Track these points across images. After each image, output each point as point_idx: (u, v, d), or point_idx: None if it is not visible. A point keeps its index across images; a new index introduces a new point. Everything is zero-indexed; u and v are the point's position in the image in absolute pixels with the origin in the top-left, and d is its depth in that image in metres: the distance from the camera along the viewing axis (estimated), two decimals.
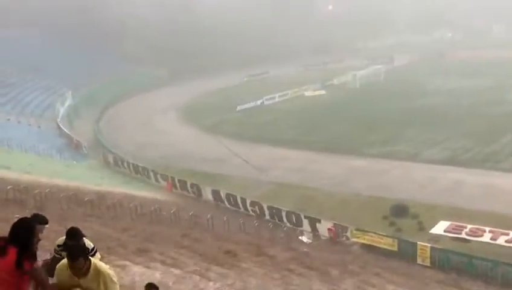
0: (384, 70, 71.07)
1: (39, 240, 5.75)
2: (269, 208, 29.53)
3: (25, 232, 5.38)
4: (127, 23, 78.90)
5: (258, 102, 58.66)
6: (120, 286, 5.66)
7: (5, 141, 39.57)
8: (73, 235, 6.77)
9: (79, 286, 5.16)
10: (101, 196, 28.05)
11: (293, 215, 28.28)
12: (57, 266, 5.30)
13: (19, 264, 5.19)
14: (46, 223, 6.47)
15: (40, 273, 5.45)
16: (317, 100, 59.98)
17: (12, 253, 5.23)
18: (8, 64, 58.19)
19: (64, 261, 5.24)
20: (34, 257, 5.39)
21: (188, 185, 34.31)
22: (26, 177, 29.15)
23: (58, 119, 52.21)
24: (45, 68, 60.85)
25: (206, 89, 65.64)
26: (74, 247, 5.20)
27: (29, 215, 6.03)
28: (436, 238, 24.95)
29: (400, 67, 75.92)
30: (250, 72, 74.72)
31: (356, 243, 25.67)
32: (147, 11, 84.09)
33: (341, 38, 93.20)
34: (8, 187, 24.21)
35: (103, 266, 5.30)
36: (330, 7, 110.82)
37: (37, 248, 5.69)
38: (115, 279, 5.33)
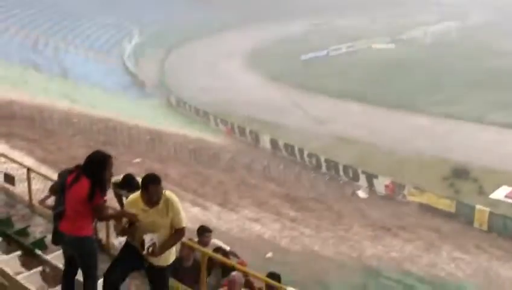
0: (457, 27, 68.19)
1: (111, 175, 5.87)
2: (326, 160, 29.32)
3: (99, 165, 5.49)
4: None
5: (324, 52, 57.62)
6: None
7: (73, 75, 40.64)
8: (129, 181, 6.97)
9: (150, 215, 5.26)
10: (161, 136, 28.53)
11: (350, 170, 28.00)
12: (128, 199, 5.39)
13: (90, 196, 5.32)
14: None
15: (107, 209, 5.59)
16: (385, 54, 58.35)
17: (84, 183, 5.35)
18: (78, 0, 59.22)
19: (136, 194, 5.30)
20: (104, 191, 5.53)
21: (247, 132, 34.42)
22: (91, 112, 29.89)
23: (125, 57, 53.03)
24: (114, 5, 61.48)
25: (272, 36, 64.91)
26: (150, 175, 5.27)
27: (92, 148, 6.11)
28: (496, 203, 24.22)
29: (474, 25, 72.64)
30: (315, 20, 73.19)
31: (413, 202, 25.29)
32: None
33: None
34: (74, 120, 24.92)
35: (173, 196, 5.37)
36: None
37: (108, 182, 5.81)
38: (182, 210, 5.40)
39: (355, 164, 28.52)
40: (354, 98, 41.07)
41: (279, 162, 29.29)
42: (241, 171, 25.66)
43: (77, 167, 5.58)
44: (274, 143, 32.49)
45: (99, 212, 5.50)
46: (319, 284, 12.94)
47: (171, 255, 5.56)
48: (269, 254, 13.52)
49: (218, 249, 7.53)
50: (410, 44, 62.73)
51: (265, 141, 33.10)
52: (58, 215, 5.52)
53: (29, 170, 10.08)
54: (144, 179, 5.29)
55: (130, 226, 5.36)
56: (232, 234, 15.51)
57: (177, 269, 7.74)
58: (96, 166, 5.47)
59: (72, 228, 5.38)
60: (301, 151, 30.74)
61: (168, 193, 5.38)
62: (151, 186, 5.19)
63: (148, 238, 5.23)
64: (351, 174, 27.90)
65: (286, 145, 31.69)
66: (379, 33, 65.07)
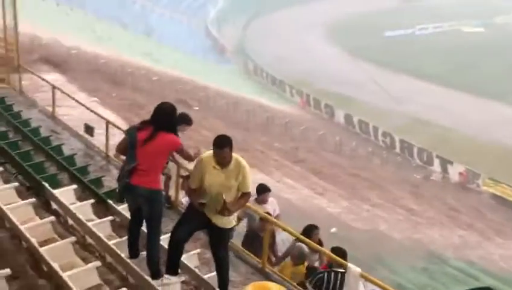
0: None
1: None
2: (401, 141, 28.73)
3: (172, 115, 5.64)
4: None
5: (409, 31, 55.89)
6: None
7: (157, 35, 41.44)
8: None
9: (220, 175, 5.38)
10: (237, 102, 28.75)
11: (425, 153, 27.33)
12: (202, 157, 5.50)
13: (176, 144, 5.56)
14: (190, 124, 6.67)
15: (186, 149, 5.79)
16: (474, 38, 55.88)
17: (166, 135, 5.52)
18: None
19: (209, 152, 5.42)
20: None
21: (322, 105, 34.15)
22: (170, 72, 30.45)
23: (208, 21, 53.45)
24: None
25: (359, 9, 63.36)
26: (222, 136, 5.36)
27: None
28: None
29: None
30: None
31: (486, 191, 24.52)
32: None
33: None
34: (154, 78, 25.44)
35: (243, 160, 5.45)
36: None
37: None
38: (250, 175, 5.48)
39: (430, 147, 27.81)
40: (435, 80, 39.80)
41: (352, 138, 28.96)
42: (312, 144, 25.55)
43: (144, 122, 5.69)
44: (348, 119, 32.10)
45: (186, 154, 5.76)
46: (382, 265, 12.80)
47: (233, 218, 5.66)
48: (333, 229, 13.47)
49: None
50: (502, 29, 59.75)
51: (340, 115, 32.75)
52: (128, 171, 5.68)
53: (108, 122, 10.43)
54: (215, 140, 5.36)
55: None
56: (295, 204, 15.53)
57: (253, 238, 7.84)
58: (171, 116, 5.63)
59: (146, 181, 5.54)
60: (375, 129, 30.23)
61: (238, 156, 5.44)
62: (221, 149, 5.26)
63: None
64: (425, 158, 27.25)
65: (360, 122, 31.24)
66: (470, 15, 62.27)
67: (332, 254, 6.37)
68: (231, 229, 5.82)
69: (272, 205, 8.21)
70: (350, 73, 41.39)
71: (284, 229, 7.10)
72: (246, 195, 5.53)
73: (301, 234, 7.25)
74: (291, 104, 35.41)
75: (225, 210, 5.34)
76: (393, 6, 66.65)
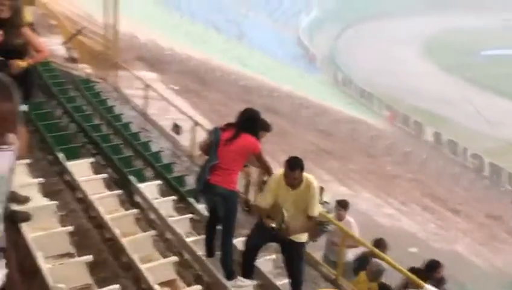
0: None
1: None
2: (491, 164, 27.54)
3: (255, 122, 5.72)
4: None
5: (508, 51, 53.55)
6: None
7: (248, 40, 42.02)
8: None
9: (291, 195, 5.38)
10: (323, 110, 28.61)
11: None
12: (272, 176, 5.54)
13: (256, 147, 5.62)
14: (269, 130, 6.75)
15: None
16: None
17: (248, 137, 5.61)
18: None
19: (280, 171, 5.43)
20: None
21: (410, 121, 33.34)
22: (259, 78, 30.75)
23: (300, 29, 53.57)
24: None
25: (454, 26, 61.45)
26: (294, 158, 5.38)
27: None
28: None
29: None
30: (507, 16, 67.86)
31: None
32: None
33: None
34: (241, 83, 25.78)
35: (314, 182, 5.42)
36: None
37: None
38: (317, 198, 5.47)
39: None
40: None
41: (439, 157, 28.07)
42: (398, 159, 24.99)
43: (229, 124, 5.80)
44: (437, 137, 31.16)
45: (264, 162, 5.78)
46: (460, 288, 12.31)
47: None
48: (413, 249, 13.12)
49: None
50: None
51: (428, 133, 31.85)
52: (209, 169, 5.82)
53: (196, 124, 10.68)
54: (287, 161, 5.37)
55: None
56: (374, 220, 15.26)
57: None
58: (254, 121, 5.71)
59: (224, 180, 5.63)
60: (464, 150, 29.18)
61: (310, 177, 5.41)
62: (293, 170, 5.28)
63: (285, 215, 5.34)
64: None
65: (449, 141, 30.24)
66: None
67: (410, 274, 6.24)
68: (303, 243, 5.81)
69: (347, 225, 8.05)
70: (442, 91, 40.11)
71: (362, 244, 7.00)
72: (312, 219, 5.49)
73: (425, 270, 7.15)
74: (379, 117, 34.80)
75: (285, 230, 5.32)
76: (490, 25, 64.11)
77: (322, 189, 8.24)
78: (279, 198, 5.42)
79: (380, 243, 7.69)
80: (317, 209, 5.51)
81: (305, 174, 5.37)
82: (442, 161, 27.26)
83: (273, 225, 5.41)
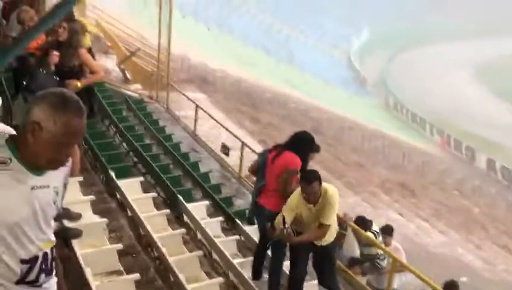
0: None
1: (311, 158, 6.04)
2: None
3: (306, 143, 5.67)
4: None
5: None
6: None
7: (298, 63, 42.13)
8: None
9: (313, 211, 5.23)
10: (371, 135, 28.30)
11: None
12: (292, 194, 5.34)
13: (294, 160, 5.55)
14: (318, 151, 6.70)
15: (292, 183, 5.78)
16: None
17: (288, 154, 5.56)
18: None
19: (298, 190, 5.29)
20: (303, 166, 5.74)
21: (463, 147, 32.58)
22: (308, 100, 30.73)
23: (351, 52, 53.39)
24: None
25: (507, 51, 60.01)
26: (311, 171, 5.25)
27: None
28: None
29: None
30: None
31: None
32: None
33: None
34: (291, 105, 25.80)
35: (333, 190, 5.22)
36: None
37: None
38: (336, 207, 5.26)
39: None
40: None
41: (492, 185, 27.27)
42: (450, 185, 24.43)
43: (276, 146, 5.80)
44: (490, 163, 30.32)
45: (290, 184, 5.58)
46: None
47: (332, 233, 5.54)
48: (464, 278, 12.70)
49: None
50: None
51: (481, 159, 31.03)
52: (257, 191, 5.82)
53: (243, 144, 10.73)
54: (303, 174, 5.26)
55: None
56: (426, 247, 14.89)
57: None
58: (304, 143, 5.63)
59: (270, 202, 5.61)
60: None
61: (328, 187, 5.23)
62: (309, 183, 5.09)
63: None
64: None
65: (503, 168, 29.38)
66: None
67: None
68: (333, 247, 5.68)
69: (395, 251, 7.87)
70: (496, 116, 39.15)
71: (412, 272, 6.83)
72: (322, 227, 5.22)
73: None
74: (430, 143, 34.14)
75: (286, 235, 5.11)
76: None
77: (366, 221, 8.11)
78: (302, 217, 5.24)
79: (451, 285, 7.42)
80: (332, 218, 5.27)
81: (325, 185, 5.22)
82: (495, 188, 26.52)
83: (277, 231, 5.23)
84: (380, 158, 25.16)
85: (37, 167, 2.13)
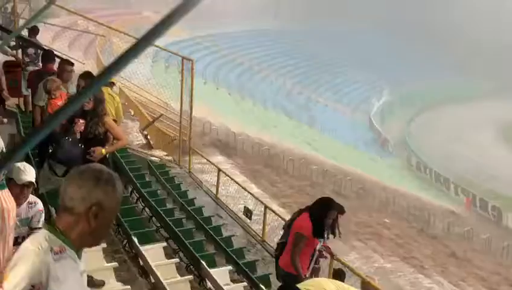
0: None
1: (334, 224, 6.05)
2: None
3: (322, 206, 5.76)
4: (463, 28, 76.01)
5: None
6: None
7: (319, 125, 42.37)
8: None
9: None
10: (396, 195, 28.02)
11: None
12: None
13: (314, 232, 5.54)
14: (342, 213, 6.68)
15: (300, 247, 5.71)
16: None
17: (304, 216, 5.64)
18: (336, 54, 61.96)
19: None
20: (318, 233, 5.74)
21: (489, 207, 32.03)
22: (330, 162, 30.69)
23: (372, 114, 53.64)
24: (370, 62, 62.72)
25: None
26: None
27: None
28: None
29: None
30: None
31: None
32: (486, 17, 79.72)
33: None
34: (313, 167, 25.77)
35: None
36: None
37: (328, 230, 6.00)
38: None
39: None
40: None
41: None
42: (477, 246, 23.88)
43: (301, 210, 5.91)
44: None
45: (295, 250, 5.67)
46: None
47: None
48: None
49: None
50: None
51: (509, 218, 30.43)
52: (278, 247, 5.95)
53: (266, 207, 10.68)
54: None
55: None
56: None
57: None
58: (319, 206, 5.74)
59: (284, 263, 5.61)
60: None
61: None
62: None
63: None
64: None
65: None
66: None
67: None
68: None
69: None
70: None
71: None
72: None
73: None
74: (455, 203, 33.64)
75: None
76: None
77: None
78: None
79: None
80: None
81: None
82: None
83: None
84: (402, 216, 24.83)
85: (80, 249, 2.14)
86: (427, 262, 18.39)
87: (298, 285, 4.59)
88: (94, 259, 6.63)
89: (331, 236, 6.51)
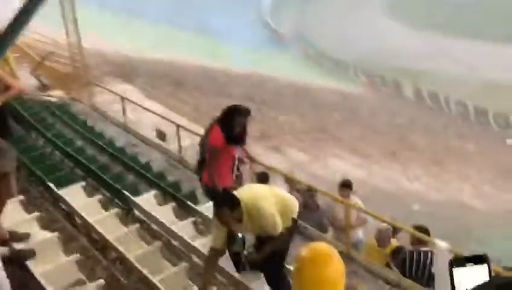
0: None
1: (242, 127, 6.06)
2: (475, 108, 27.75)
3: (229, 115, 5.81)
4: None
5: None
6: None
7: (214, 32, 41.78)
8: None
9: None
10: (303, 89, 28.59)
11: (501, 118, 26.31)
12: None
13: (228, 140, 5.76)
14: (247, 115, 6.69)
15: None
16: None
17: (214, 126, 5.75)
18: None
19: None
20: (229, 140, 5.84)
21: (389, 82, 33.44)
22: (233, 68, 30.62)
23: (264, 10, 53.35)
24: None
25: None
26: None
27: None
28: None
29: None
30: None
31: None
32: None
33: None
34: (216, 75, 25.50)
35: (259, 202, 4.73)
36: None
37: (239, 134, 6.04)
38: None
39: (508, 111, 26.65)
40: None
41: (424, 112, 28.19)
42: (380, 124, 25.08)
43: (215, 119, 5.97)
44: (417, 92, 31.30)
45: (211, 156, 5.81)
46: (473, 239, 12.35)
47: None
48: (416, 206, 13.17)
49: None
50: None
51: (408, 90, 31.97)
52: (198, 164, 6.05)
53: (178, 126, 10.62)
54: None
55: None
56: (375, 185, 15.31)
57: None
58: (226, 114, 5.88)
59: (206, 178, 5.73)
60: (447, 99, 29.35)
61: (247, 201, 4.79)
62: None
63: None
64: (502, 123, 26.25)
65: (430, 94, 30.39)
66: None
67: (416, 232, 6.30)
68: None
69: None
70: (414, 45, 40.14)
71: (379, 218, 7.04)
72: None
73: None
74: (358, 84, 34.80)
75: None
76: None
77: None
78: None
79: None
80: None
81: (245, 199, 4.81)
82: (428, 114, 27.41)
83: None
84: (312, 108, 25.50)
85: None
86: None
87: (234, 193, 4.70)
88: (13, 213, 6.44)
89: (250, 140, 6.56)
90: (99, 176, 8.73)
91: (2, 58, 7.32)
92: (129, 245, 6.39)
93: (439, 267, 5.77)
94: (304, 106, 25.34)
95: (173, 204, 7.76)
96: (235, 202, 4.57)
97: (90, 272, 5.83)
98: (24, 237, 5.92)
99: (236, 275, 5.71)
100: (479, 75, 32.85)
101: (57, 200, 7.63)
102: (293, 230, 4.95)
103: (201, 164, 6.06)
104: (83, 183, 8.19)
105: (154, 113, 12.17)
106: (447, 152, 20.12)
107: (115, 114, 13.39)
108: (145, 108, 12.51)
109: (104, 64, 22.95)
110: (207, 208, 7.10)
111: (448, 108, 29.18)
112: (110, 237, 6.49)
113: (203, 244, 6.42)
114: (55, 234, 6.30)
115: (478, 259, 1.50)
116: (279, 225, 4.67)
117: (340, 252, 2.18)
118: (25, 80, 15.39)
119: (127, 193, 7.75)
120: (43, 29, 18.95)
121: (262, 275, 5.38)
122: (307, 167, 15.38)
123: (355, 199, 8.19)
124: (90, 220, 6.89)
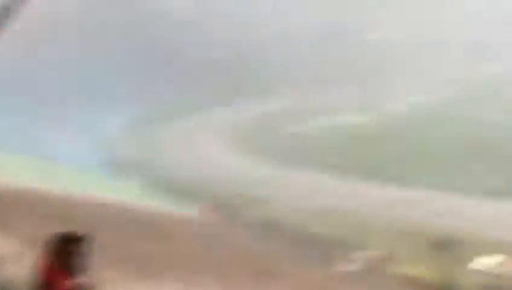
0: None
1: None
2: (303, 233, 28.99)
3: (60, 244, 5.60)
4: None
5: (304, 127, 57.23)
6: None
7: (53, 155, 40.50)
8: None
9: None
10: (134, 215, 28.17)
11: (325, 243, 27.78)
12: None
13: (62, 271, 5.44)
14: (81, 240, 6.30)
15: None
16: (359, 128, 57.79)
17: (45, 263, 5.52)
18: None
19: None
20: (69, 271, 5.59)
21: (224, 207, 34.14)
22: (66, 193, 29.65)
23: (107, 137, 53.05)
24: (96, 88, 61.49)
25: (253, 113, 63.93)
26: None
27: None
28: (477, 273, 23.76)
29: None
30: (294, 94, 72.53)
31: (393, 274, 24.82)
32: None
33: None
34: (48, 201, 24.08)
35: None
36: None
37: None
38: None
39: (335, 235, 28.26)
40: (336, 171, 41.00)
41: (255, 236, 28.96)
42: (215, 251, 25.27)
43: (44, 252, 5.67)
44: (250, 218, 32.33)
45: None
46: None
47: None
48: None
49: None
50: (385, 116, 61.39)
51: (243, 216, 32.91)
52: None
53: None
54: None
55: None
56: None
57: None
58: (56, 245, 5.57)
59: None
60: (276, 225, 30.58)
61: None
62: None
63: None
64: (326, 248, 27.73)
65: (263, 222, 31.49)
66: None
67: None
68: None
69: None
70: (253, 173, 41.98)
71: None
72: None
73: None
74: (193, 210, 35.09)
75: None
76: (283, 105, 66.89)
77: None
78: None
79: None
80: None
81: None
82: (259, 239, 28.10)
83: None
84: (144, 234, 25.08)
85: None
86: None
87: None
88: None
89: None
90: None
91: None
92: None
93: None
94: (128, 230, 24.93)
95: None
96: None
97: None
98: None
99: None
100: (307, 202, 34.89)
101: None
102: None
103: None
104: None
105: None
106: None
107: None
108: None
109: None
110: None
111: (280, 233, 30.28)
112: None
113: None
114: None
115: None
116: None
117: None
118: None
119: None
120: None
121: None
122: None
123: None
124: None
